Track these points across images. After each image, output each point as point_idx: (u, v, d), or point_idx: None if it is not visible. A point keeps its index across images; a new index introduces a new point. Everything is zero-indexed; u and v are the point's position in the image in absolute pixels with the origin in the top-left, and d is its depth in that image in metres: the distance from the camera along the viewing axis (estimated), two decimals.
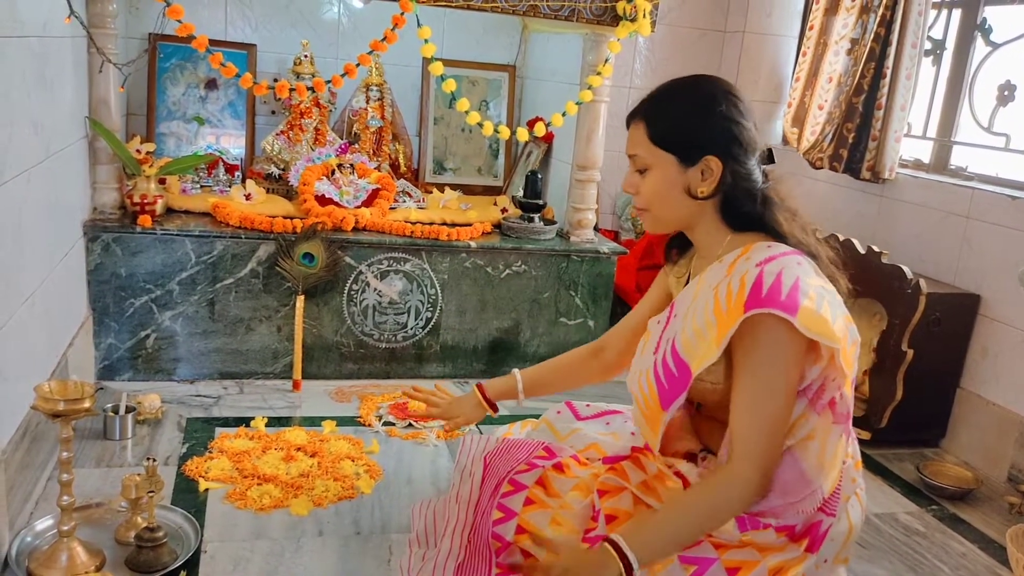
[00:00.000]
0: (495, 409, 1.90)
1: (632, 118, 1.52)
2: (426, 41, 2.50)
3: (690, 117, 1.45)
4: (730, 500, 1.35)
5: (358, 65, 2.45)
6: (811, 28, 3.23)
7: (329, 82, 2.46)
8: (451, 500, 1.71)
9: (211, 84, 3.22)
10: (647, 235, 3.38)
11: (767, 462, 1.34)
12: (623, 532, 1.37)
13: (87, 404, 1.59)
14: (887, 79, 2.86)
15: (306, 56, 3.11)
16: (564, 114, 2.68)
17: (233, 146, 3.25)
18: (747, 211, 1.44)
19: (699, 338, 1.38)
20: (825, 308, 1.31)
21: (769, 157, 1.49)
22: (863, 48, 2.90)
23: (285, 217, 2.68)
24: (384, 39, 2.45)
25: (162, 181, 2.82)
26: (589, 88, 2.69)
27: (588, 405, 2.02)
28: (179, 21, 2.33)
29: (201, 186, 2.94)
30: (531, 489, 1.57)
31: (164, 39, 3.13)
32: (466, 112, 2.60)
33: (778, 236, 1.43)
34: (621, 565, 1.31)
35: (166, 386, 2.57)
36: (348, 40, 3.37)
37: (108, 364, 2.55)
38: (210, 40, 2.48)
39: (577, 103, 2.70)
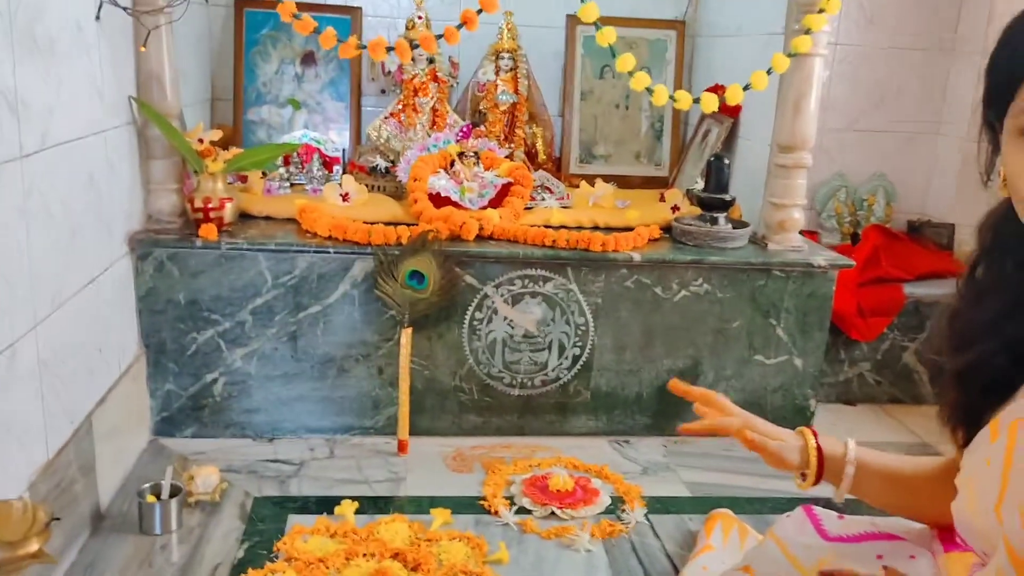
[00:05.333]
0: (821, 464, 1.21)
1: None
2: None
3: None
4: None
5: (479, 12, 1.76)
6: None
7: (440, 36, 1.78)
8: None
9: (308, 58, 2.63)
10: (870, 237, 2.53)
11: None
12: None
13: (33, 548, 0.98)
14: None
15: (420, 18, 2.47)
16: (770, 71, 1.89)
17: (337, 133, 2.66)
18: None
19: None
20: None
21: None
22: None
23: (387, 224, 2.03)
24: None
25: (243, 179, 2.25)
26: (807, 32, 1.88)
27: (841, 516, 1.28)
28: None
29: (291, 184, 2.35)
30: None
31: (252, 4, 2.57)
32: (630, 73, 1.86)
33: None
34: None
35: (238, 445, 1.99)
36: None
37: (167, 416, 1.99)
38: (307, 5, 1.87)
39: (790, 55, 1.90)
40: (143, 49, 1.74)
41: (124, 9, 1.62)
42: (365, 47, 1.82)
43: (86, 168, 1.59)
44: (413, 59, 2.43)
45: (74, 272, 1.55)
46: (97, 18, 1.51)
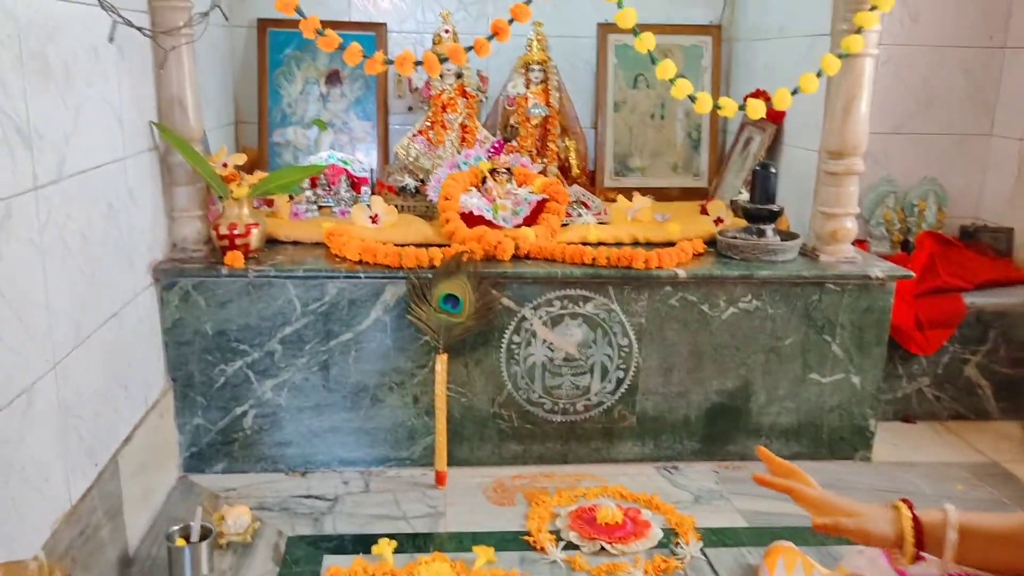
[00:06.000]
0: (920, 535, 1.07)
1: None
2: (620, 3, 1.69)
3: None
4: None
5: (511, 22, 1.68)
6: None
7: (470, 49, 1.70)
8: None
9: (333, 78, 2.57)
10: (925, 245, 2.40)
11: None
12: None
13: None
14: None
15: (447, 32, 2.40)
16: (819, 73, 1.78)
17: (364, 153, 2.59)
18: None
19: None
20: None
21: None
22: None
23: (418, 246, 1.95)
24: None
25: (269, 203, 2.19)
26: (858, 31, 1.78)
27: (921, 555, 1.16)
28: None
29: (319, 207, 2.28)
30: None
31: (276, 24, 2.51)
32: (671, 81, 1.76)
33: None
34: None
35: (270, 480, 1.91)
36: (501, 8, 2.62)
37: (196, 451, 1.91)
38: (330, 22, 1.81)
39: (840, 55, 1.79)
40: (162, 71, 1.68)
41: (140, 30, 1.55)
42: (392, 62, 1.74)
43: (105, 197, 1.52)
44: (441, 75, 2.36)
45: (95, 306, 1.48)
46: (111, 40, 1.45)
